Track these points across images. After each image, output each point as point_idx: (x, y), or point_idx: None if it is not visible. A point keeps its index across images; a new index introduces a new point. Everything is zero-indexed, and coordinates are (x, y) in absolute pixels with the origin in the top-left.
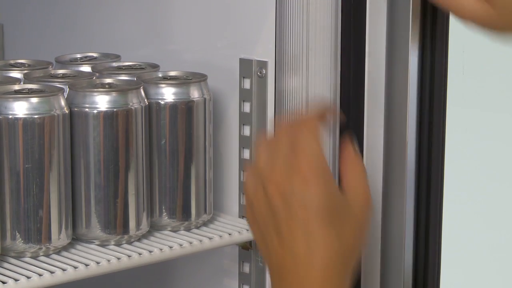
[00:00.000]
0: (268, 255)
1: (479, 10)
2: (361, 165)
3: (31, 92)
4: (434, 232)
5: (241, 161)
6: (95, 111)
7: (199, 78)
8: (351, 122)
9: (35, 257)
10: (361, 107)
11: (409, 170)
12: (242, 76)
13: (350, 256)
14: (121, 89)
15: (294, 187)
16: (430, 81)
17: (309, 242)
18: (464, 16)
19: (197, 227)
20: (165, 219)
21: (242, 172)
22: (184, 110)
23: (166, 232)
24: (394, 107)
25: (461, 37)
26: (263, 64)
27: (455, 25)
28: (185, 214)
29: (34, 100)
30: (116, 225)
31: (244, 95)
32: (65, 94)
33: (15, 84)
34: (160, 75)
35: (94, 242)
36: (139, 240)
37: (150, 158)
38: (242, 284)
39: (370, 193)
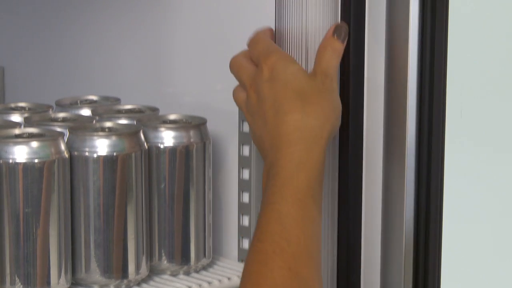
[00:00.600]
0: (258, 139)
1: None
2: (330, 41)
3: (31, 136)
4: (434, 234)
5: (241, 204)
6: (95, 155)
7: (199, 122)
8: (350, 128)
9: None
10: (360, 125)
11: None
12: (242, 119)
13: (314, 132)
14: (121, 133)
15: (262, 80)
16: (430, 81)
17: (276, 111)
18: None
19: (197, 271)
20: (164, 263)
21: (241, 216)
22: (183, 154)
23: (165, 276)
24: (394, 118)
25: (459, 79)
26: None
27: (452, 68)
28: (185, 258)
29: (35, 144)
30: (116, 270)
31: (244, 139)
32: (65, 138)
33: (15, 128)
34: (159, 119)
35: (93, 287)
36: (138, 284)
37: (149, 201)
38: None
39: (331, 65)
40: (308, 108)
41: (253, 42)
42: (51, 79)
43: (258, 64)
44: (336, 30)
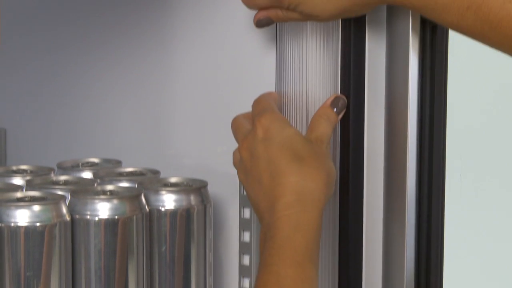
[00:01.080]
0: (253, 199)
1: None
2: (326, 111)
3: (33, 200)
4: (436, 236)
5: (242, 267)
6: (96, 218)
7: (200, 185)
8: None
9: None
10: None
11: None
12: None
13: (311, 195)
14: (122, 197)
15: (256, 139)
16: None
17: (272, 172)
18: None
19: None
20: None
21: (242, 278)
22: (184, 216)
23: None
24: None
25: (458, 144)
26: None
27: (452, 132)
28: None
29: (36, 208)
30: None
31: (244, 201)
32: (67, 201)
33: (17, 191)
34: (160, 182)
35: None
36: None
37: (150, 264)
38: None
39: (325, 132)
40: (305, 171)
41: (255, 103)
42: (52, 140)
43: (253, 124)
44: (334, 101)
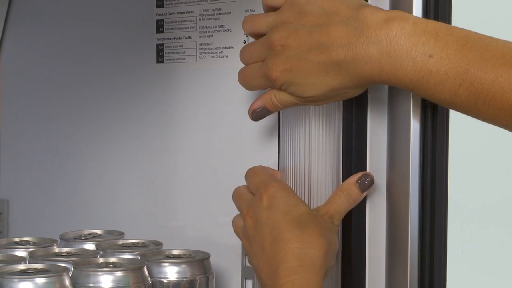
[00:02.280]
0: (256, 266)
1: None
2: (349, 187)
3: (36, 272)
4: (439, 236)
5: None
6: None
7: (202, 257)
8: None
9: None
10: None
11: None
12: (244, 253)
13: (313, 262)
14: (125, 269)
15: (261, 207)
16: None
17: (274, 238)
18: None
19: None
20: None
21: None
22: None
23: None
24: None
25: (459, 216)
26: None
27: (452, 203)
28: None
29: (40, 280)
30: None
31: (246, 273)
32: (70, 273)
33: (20, 263)
34: (163, 254)
35: None
36: None
37: None
38: None
39: (339, 210)
40: (308, 238)
41: (252, 173)
42: (55, 212)
43: (257, 193)
44: (360, 178)
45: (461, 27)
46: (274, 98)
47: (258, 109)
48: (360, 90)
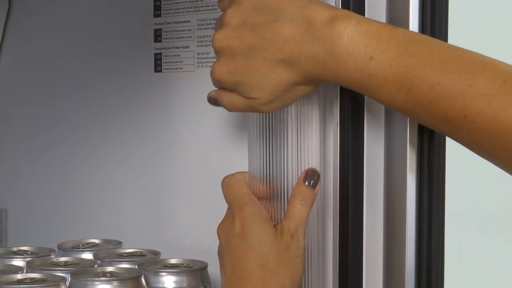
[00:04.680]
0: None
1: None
2: (300, 190)
3: (33, 282)
4: (436, 245)
5: None
6: None
7: (200, 266)
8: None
9: None
10: None
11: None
12: None
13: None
14: (122, 279)
15: (233, 232)
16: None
17: (237, 273)
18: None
19: None
20: None
21: None
22: None
23: None
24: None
25: (457, 225)
26: None
27: (450, 214)
28: None
29: None
30: None
31: None
32: (67, 283)
33: (17, 273)
34: (161, 263)
35: None
36: None
37: None
38: None
39: (300, 220)
40: (268, 279)
41: (226, 186)
42: (53, 221)
43: (231, 211)
44: (307, 176)
45: (459, 28)
46: (225, 99)
47: (212, 98)
48: (310, 87)
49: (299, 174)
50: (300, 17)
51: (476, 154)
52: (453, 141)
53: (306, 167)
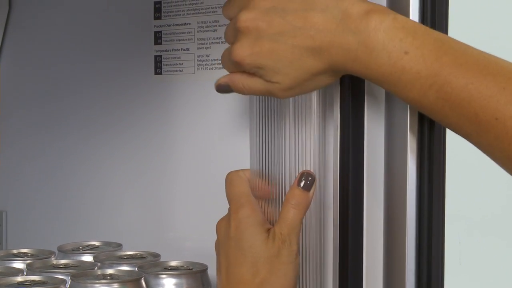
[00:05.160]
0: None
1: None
2: (294, 193)
3: (33, 284)
4: (437, 248)
5: None
6: None
7: (200, 269)
8: None
9: None
10: None
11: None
12: None
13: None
14: (122, 281)
15: (228, 233)
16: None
17: (230, 275)
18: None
19: None
20: None
21: None
22: None
23: None
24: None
25: (456, 228)
26: None
27: (450, 217)
28: None
29: None
30: None
31: None
32: (67, 285)
33: (17, 275)
34: (161, 265)
35: None
36: None
37: None
38: None
39: (293, 225)
40: (258, 286)
41: (228, 182)
42: (53, 223)
43: (229, 210)
44: (301, 180)
45: (459, 27)
46: (241, 82)
47: (223, 85)
48: (333, 78)
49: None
50: (335, 8)
51: (495, 162)
52: (453, 143)
53: (304, 168)
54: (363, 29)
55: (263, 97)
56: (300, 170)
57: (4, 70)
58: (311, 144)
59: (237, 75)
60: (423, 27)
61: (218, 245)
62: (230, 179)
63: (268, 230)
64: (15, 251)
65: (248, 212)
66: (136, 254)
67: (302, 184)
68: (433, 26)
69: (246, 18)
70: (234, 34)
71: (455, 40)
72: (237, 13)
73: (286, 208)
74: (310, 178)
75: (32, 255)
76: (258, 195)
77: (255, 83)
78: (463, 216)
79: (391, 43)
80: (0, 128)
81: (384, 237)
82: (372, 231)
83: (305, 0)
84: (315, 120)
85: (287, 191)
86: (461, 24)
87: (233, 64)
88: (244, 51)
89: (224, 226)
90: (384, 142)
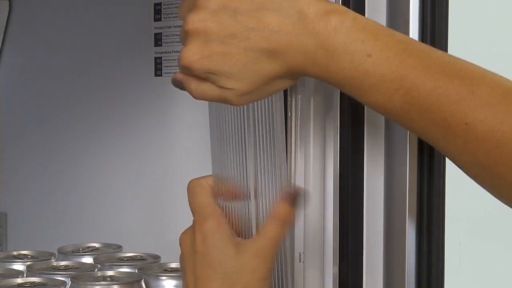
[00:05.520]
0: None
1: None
2: (280, 209)
3: (34, 286)
4: (436, 249)
5: None
6: None
7: None
8: None
9: None
10: None
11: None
12: None
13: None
14: (122, 283)
15: (194, 248)
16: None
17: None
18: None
19: None
20: None
21: None
22: None
23: None
24: None
25: (456, 228)
26: None
27: (451, 218)
28: None
29: None
30: None
31: None
32: (67, 287)
33: (17, 277)
34: (161, 267)
35: None
36: None
37: None
38: None
39: (272, 242)
40: None
41: (190, 191)
42: (53, 225)
43: (193, 222)
44: (293, 199)
45: (459, 28)
46: (193, 86)
47: (179, 81)
48: (291, 81)
49: (271, 177)
50: (290, 8)
51: (461, 167)
52: None
53: (279, 170)
54: (322, 31)
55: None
56: (274, 171)
57: (4, 71)
58: (272, 144)
59: (191, 77)
60: (385, 28)
61: (183, 260)
62: (192, 188)
63: (237, 243)
64: (15, 253)
65: (214, 224)
66: (136, 256)
67: (291, 200)
68: (433, 27)
69: (194, 19)
70: (183, 38)
71: (417, 41)
72: (188, 10)
73: (271, 223)
74: (299, 195)
75: (32, 257)
76: (223, 199)
77: (207, 88)
78: (463, 217)
79: (353, 45)
80: (1, 130)
81: (384, 237)
82: (372, 231)
83: None
84: (279, 120)
85: (252, 197)
86: (461, 24)
87: (182, 69)
88: (192, 55)
89: (189, 240)
90: (384, 142)
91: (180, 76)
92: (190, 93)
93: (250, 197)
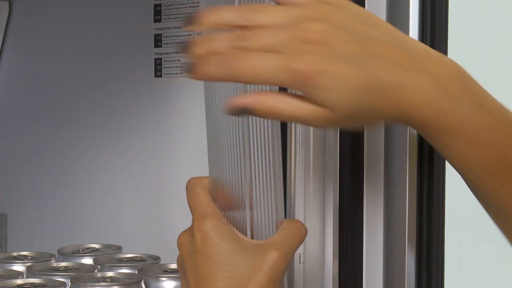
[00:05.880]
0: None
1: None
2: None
3: (33, 287)
4: (436, 250)
5: None
6: None
7: None
8: None
9: None
10: None
11: None
12: None
13: None
14: (122, 284)
15: (194, 248)
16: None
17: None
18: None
19: None
20: None
21: None
22: None
23: None
24: None
25: (457, 230)
26: None
27: (451, 219)
28: None
29: None
30: None
31: None
32: None
33: (17, 278)
34: (161, 268)
35: None
36: None
37: None
38: None
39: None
40: None
41: (189, 190)
42: (53, 226)
43: (192, 221)
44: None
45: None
46: (272, 104)
47: (241, 107)
48: (379, 124)
49: (267, 187)
50: (405, 44)
51: None
52: None
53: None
54: (441, 72)
55: (221, 97)
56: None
57: (4, 72)
58: (269, 151)
59: (268, 94)
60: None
61: (182, 261)
62: (192, 186)
63: (243, 240)
64: (15, 254)
65: (215, 222)
66: (136, 257)
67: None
68: (433, 27)
69: (319, 29)
70: (281, 40)
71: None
72: (296, 18)
73: (296, 224)
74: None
75: (32, 258)
76: (220, 206)
77: (296, 104)
78: (463, 218)
79: (476, 97)
80: (1, 130)
81: (384, 238)
82: (372, 231)
83: (376, 27)
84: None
85: (246, 206)
86: (461, 24)
87: (288, 75)
88: (310, 66)
89: (189, 240)
90: (384, 142)
91: (245, 100)
92: (262, 112)
93: (245, 207)
